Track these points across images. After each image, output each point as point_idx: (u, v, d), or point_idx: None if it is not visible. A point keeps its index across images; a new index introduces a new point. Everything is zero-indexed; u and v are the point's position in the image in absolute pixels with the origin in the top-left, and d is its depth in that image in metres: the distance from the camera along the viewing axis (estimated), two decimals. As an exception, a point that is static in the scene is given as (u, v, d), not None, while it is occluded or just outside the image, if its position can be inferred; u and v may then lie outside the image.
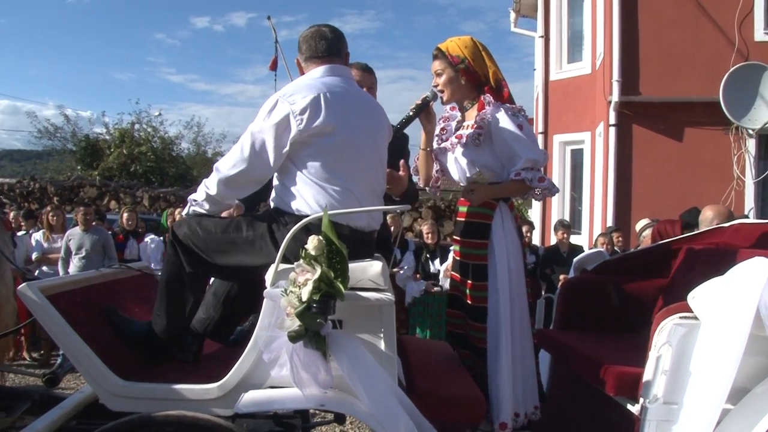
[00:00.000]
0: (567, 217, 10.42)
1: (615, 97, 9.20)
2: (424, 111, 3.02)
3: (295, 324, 2.05)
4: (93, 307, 2.73)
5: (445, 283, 6.52)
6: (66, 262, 7.00)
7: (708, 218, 4.17)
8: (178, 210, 7.93)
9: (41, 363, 6.81)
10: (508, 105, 2.94)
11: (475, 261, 2.93)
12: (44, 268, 7.21)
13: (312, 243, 2.05)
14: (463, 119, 3.10)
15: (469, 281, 2.93)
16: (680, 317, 2.27)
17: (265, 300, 2.24)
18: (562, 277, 6.63)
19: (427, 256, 6.77)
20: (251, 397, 2.21)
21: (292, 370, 2.08)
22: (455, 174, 3.05)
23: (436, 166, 3.14)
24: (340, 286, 2.04)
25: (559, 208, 11.19)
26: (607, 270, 3.64)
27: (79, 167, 23.32)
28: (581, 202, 10.97)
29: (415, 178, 3.27)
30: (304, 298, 2.02)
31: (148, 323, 2.67)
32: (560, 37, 11.45)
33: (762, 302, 2.11)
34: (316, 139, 2.38)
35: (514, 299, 2.89)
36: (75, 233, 7.06)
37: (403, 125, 3.00)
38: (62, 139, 25.40)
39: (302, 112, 2.34)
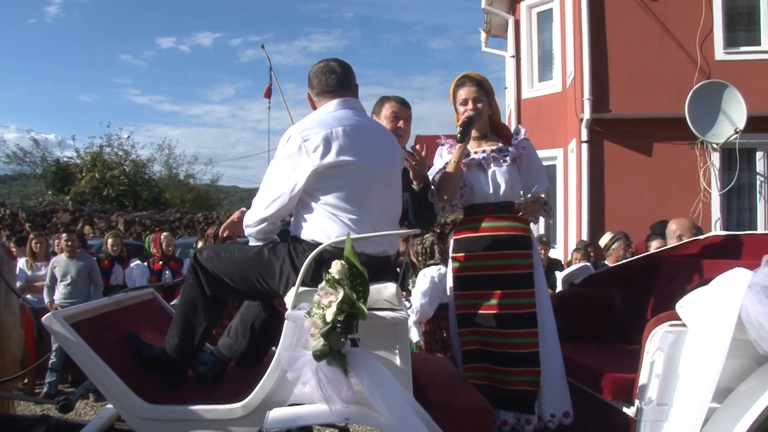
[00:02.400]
0: (542, 232, 10.69)
1: (586, 114, 9.53)
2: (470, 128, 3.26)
3: (319, 343, 2.19)
4: (111, 334, 2.84)
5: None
6: (51, 290, 6.97)
7: (672, 231, 4.52)
8: (165, 234, 7.99)
9: (25, 392, 6.76)
10: None
11: (521, 270, 3.18)
12: (28, 295, 7.15)
13: (335, 267, 2.20)
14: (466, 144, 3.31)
15: (514, 291, 3.15)
16: (670, 325, 2.48)
17: (286, 322, 2.37)
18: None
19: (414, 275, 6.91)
20: (277, 414, 2.31)
21: (319, 387, 2.19)
22: (489, 189, 3.27)
23: (461, 182, 3.32)
24: (363, 307, 2.18)
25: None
26: (593, 283, 3.84)
27: (49, 192, 23.03)
28: (555, 217, 11.26)
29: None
30: (329, 318, 2.16)
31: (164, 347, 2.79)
32: (531, 57, 11.81)
33: (743, 309, 2.31)
34: (330, 171, 2.51)
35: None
36: (60, 260, 7.05)
37: (460, 141, 3.21)
38: (31, 163, 25.13)
39: (315, 149, 2.49)
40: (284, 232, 2.76)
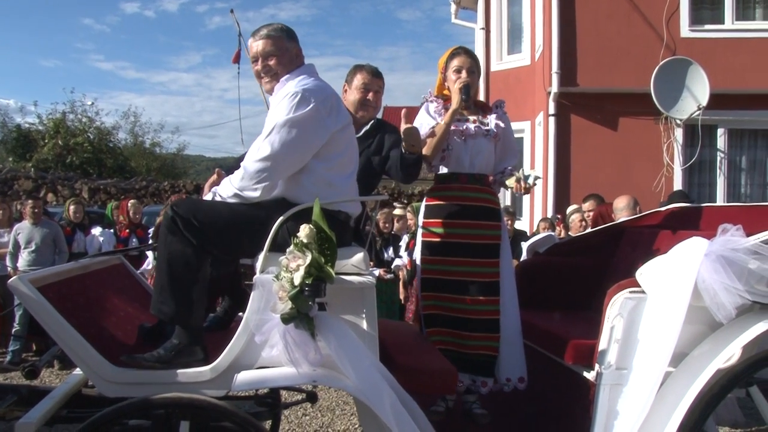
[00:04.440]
0: (508, 203, 10.82)
1: (554, 88, 9.62)
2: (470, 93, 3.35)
3: (287, 307, 2.21)
4: (78, 298, 2.80)
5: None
6: (14, 257, 6.88)
7: (619, 207, 5.32)
8: (132, 202, 7.89)
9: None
10: None
11: (490, 241, 3.30)
12: (-10, 262, 7.04)
13: (304, 231, 2.22)
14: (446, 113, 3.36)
15: (481, 260, 3.25)
16: (630, 291, 2.54)
17: (254, 285, 2.38)
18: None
19: (381, 244, 6.97)
20: (245, 377, 2.34)
21: (286, 350, 2.22)
22: (466, 159, 3.33)
23: (444, 145, 3.35)
24: (330, 271, 2.21)
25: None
26: (558, 252, 3.92)
27: (10, 159, 22.46)
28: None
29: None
30: (297, 282, 2.18)
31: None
32: (500, 29, 11.82)
33: (699, 277, 2.39)
34: (336, 135, 2.55)
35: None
36: (24, 227, 6.93)
37: (466, 103, 3.33)
38: (-9, 129, 24.46)
39: (330, 112, 2.50)
40: None
